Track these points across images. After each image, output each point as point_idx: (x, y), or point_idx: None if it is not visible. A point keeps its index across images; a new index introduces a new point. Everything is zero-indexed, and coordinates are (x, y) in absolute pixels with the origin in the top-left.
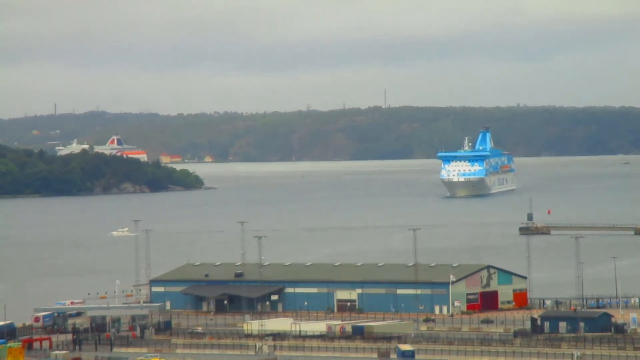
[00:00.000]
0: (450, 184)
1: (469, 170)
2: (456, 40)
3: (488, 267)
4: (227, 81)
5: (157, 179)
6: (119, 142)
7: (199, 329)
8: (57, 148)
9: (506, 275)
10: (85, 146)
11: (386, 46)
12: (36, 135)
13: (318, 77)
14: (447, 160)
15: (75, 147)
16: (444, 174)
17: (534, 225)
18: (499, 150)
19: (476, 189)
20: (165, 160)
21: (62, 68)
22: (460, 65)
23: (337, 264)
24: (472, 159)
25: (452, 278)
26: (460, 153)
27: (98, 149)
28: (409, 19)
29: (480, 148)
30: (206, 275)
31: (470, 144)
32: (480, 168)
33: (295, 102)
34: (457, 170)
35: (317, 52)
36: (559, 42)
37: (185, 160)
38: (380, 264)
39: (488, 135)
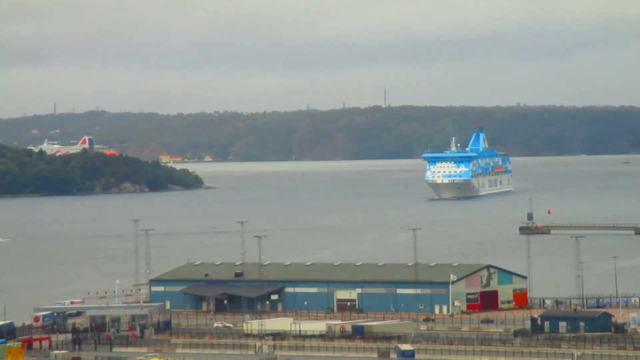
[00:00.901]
0: (434, 186)
1: (455, 171)
2: (456, 40)
3: (488, 267)
4: (227, 81)
5: (157, 179)
6: (91, 142)
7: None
8: (28, 148)
9: (506, 274)
10: (57, 146)
11: (386, 46)
12: (36, 134)
13: (318, 77)
14: (433, 161)
15: (46, 147)
16: (429, 175)
17: (534, 225)
18: (494, 150)
19: (462, 191)
20: (165, 159)
21: (62, 68)
22: (460, 65)
23: (337, 264)
24: (458, 160)
25: (452, 277)
26: (446, 154)
27: (69, 149)
28: (409, 20)
29: (467, 149)
30: (206, 275)
31: (458, 145)
32: (466, 169)
33: (295, 102)
34: (442, 172)
35: (317, 52)
36: (559, 42)
37: (185, 159)
38: (380, 264)
39: (481, 136)
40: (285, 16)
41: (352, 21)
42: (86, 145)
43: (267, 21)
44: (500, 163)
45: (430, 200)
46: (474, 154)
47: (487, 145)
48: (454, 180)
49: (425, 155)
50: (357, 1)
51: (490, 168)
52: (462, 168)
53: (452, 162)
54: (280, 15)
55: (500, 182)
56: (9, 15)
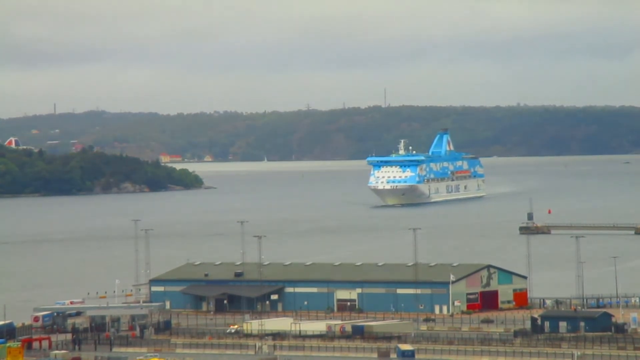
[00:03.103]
0: (378, 192)
1: (400, 176)
2: (455, 40)
3: (488, 267)
4: (227, 81)
5: (156, 179)
6: (17, 144)
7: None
8: None
9: (506, 274)
10: None
11: (386, 46)
12: (35, 134)
13: (318, 76)
14: (377, 165)
15: None
16: (372, 181)
17: (534, 225)
18: (460, 153)
19: (407, 197)
20: (165, 159)
21: (62, 68)
22: (460, 65)
23: (337, 264)
24: (404, 164)
25: (452, 278)
26: (392, 158)
27: None
28: (408, 20)
29: (413, 152)
30: (206, 275)
31: (410, 147)
32: (412, 174)
33: (295, 101)
34: (386, 177)
35: (316, 51)
36: (559, 42)
37: (185, 159)
38: (380, 264)
39: (445, 138)
40: (284, 17)
41: (352, 21)
42: (12, 146)
43: (265, 21)
44: (465, 167)
45: (374, 208)
46: (422, 158)
47: (451, 148)
48: (396, 186)
49: (369, 159)
50: (357, 3)
51: (450, 172)
52: (408, 173)
53: (398, 167)
54: (278, 15)
55: (465, 188)
56: (10, 16)
